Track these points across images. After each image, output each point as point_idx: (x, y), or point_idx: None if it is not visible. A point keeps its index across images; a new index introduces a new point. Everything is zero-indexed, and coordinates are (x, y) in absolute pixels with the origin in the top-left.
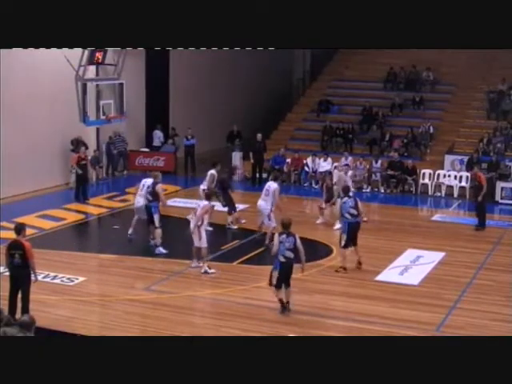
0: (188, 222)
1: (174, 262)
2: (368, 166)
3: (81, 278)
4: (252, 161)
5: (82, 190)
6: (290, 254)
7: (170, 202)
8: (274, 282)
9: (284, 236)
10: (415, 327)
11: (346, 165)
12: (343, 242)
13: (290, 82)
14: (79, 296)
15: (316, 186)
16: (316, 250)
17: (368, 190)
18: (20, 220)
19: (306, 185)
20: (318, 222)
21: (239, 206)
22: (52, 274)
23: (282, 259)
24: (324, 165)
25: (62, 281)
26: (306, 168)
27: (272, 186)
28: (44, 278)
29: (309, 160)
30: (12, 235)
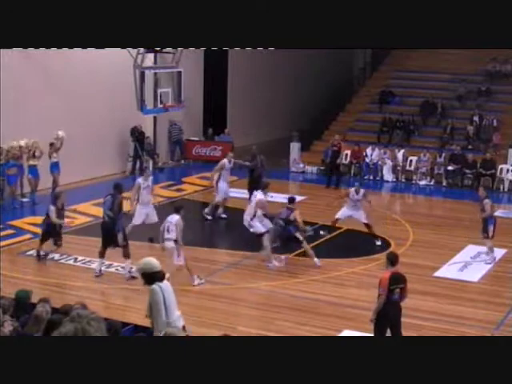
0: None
1: (230, 254)
2: (432, 159)
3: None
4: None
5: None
6: (110, 213)
7: None
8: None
9: (109, 197)
10: (474, 325)
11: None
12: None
13: (351, 72)
14: (133, 285)
15: (377, 178)
16: (373, 244)
17: (432, 183)
18: (76, 208)
19: (366, 177)
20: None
21: (297, 198)
22: (107, 263)
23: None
24: (384, 157)
25: (116, 269)
26: (367, 159)
27: None
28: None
29: (368, 151)
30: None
